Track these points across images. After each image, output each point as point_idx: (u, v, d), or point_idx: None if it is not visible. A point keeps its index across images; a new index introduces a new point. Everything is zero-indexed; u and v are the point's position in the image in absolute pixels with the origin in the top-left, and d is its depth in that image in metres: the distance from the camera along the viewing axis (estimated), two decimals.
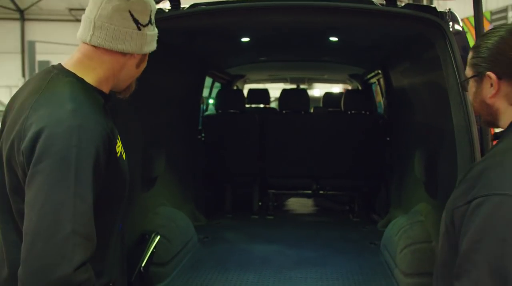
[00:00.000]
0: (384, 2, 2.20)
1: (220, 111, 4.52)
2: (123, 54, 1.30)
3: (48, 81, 1.24)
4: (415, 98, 3.30)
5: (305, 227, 4.20)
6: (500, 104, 1.26)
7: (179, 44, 3.20)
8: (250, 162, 4.50)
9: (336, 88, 17.18)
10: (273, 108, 5.54)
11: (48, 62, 12.67)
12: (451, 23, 2.17)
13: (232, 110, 4.54)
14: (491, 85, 1.24)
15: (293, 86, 6.59)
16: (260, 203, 4.68)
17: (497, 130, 1.42)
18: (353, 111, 4.58)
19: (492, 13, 8.48)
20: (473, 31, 2.07)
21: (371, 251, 3.51)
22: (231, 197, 4.68)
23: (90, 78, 1.27)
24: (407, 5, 2.19)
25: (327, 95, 5.09)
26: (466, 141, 2.09)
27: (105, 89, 1.34)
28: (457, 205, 1.16)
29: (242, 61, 4.49)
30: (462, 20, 2.33)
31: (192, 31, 2.85)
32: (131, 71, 1.36)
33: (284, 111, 4.54)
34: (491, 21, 8.09)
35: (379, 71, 4.33)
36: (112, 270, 1.40)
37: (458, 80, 2.08)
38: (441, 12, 2.17)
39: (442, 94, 2.57)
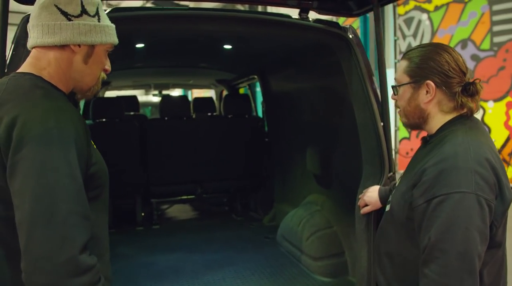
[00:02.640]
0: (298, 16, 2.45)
1: (97, 120, 4.24)
2: (61, 48, 1.26)
3: (7, 82, 1.22)
4: (303, 101, 3.65)
5: (196, 232, 4.25)
6: (432, 109, 1.47)
7: None
8: (131, 172, 4.34)
9: (176, 93, 17.37)
10: (144, 115, 5.39)
11: None
12: (351, 36, 2.51)
13: (110, 119, 4.30)
14: (427, 92, 1.45)
15: (156, 92, 6.50)
16: (143, 214, 4.55)
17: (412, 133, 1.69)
18: (232, 115, 4.78)
19: None
20: None
21: (268, 244, 3.77)
22: (112, 210, 4.44)
23: (44, 76, 1.26)
24: (317, 20, 2.46)
25: (197, 100, 5.18)
26: (372, 136, 2.43)
27: (63, 89, 1.30)
28: (417, 203, 1.34)
29: (120, 67, 4.29)
30: None
31: None
32: (80, 68, 1.30)
33: (165, 118, 4.49)
34: None
35: (255, 77, 4.63)
36: (108, 273, 1.35)
37: (365, 85, 2.42)
38: (343, 26, 2.50)
39: (338, 96, 2.93)
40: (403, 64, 1.52)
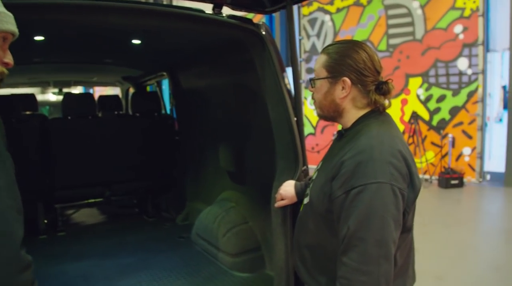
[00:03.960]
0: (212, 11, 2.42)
1: None
2: None
3: None
4: (215, 98, 3.61)
5: (106, 236, 4.03)
6: (347, 104, 1.52)
7: None
8: (31, 177, 3.99)
9: (76, 91, 16.38)
10: (43, 115, 4.96)
11: None
12: (264, 32, 2.53)
13: (4, 118, 3.90)
14: (343, 88, 1.49)
15: (55, 90, 6.05)
16: (45, 221, 4.21)
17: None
18: (141, 114, 4.60)
19: None
20: None
21: (183, 244, 3.69)
22: None
23: None
24: (231, 16, 2.44)
25: (103, 98, 4.90)
26: (286, 131, 2.47)
27: None
28: (336, 195, 1.38)
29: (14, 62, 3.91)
30: None
31: None
32: None
33: (69, 117, 4.18)
34: None
35: (163, 73, 4.50)
36: None
37: (278, 81, 2.46)
38: (257, 23, 2.52)
39: (251, 93, 2.95)
40: (322, 58, 1.54)
